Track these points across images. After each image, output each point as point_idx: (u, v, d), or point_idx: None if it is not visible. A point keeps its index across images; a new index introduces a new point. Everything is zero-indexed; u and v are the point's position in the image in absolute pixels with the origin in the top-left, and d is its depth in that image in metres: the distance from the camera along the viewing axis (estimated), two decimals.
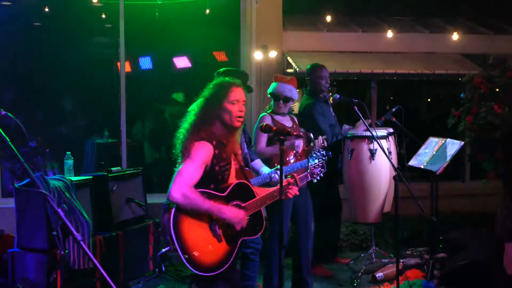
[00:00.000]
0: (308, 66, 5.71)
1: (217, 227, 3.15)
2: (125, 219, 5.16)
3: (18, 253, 4.27)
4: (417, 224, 6.68)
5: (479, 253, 4.79)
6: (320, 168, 3.93)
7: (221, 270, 3.14)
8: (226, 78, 3.37)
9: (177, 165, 3.16)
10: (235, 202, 3.25)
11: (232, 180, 3.31)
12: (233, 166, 3.33)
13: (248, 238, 3.35)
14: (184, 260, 2.99)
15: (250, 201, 3.32)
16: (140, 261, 5.26)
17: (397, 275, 4.35)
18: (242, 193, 3.30)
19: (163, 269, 5.44)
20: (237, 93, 3.26)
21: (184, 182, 3.03)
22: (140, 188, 5.45)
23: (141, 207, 5.30)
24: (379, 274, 5.28)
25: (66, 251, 4.11)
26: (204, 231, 3.10)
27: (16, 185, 4.28)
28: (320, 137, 4.74)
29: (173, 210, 3.00)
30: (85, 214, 4.34)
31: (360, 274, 5.38)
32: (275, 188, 3.50)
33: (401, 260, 5.29)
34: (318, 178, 3.93)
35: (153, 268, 5.39)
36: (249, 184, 3.39)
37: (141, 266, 5.28)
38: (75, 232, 2.29)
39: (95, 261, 2.27)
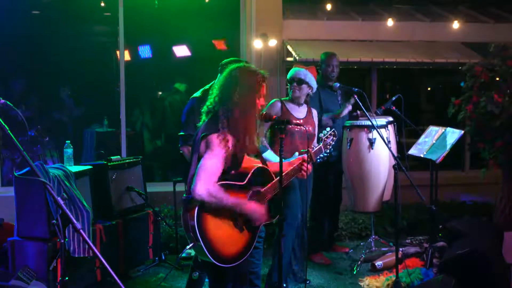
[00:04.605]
0: (321, 54, 5.72)
1: (239, 219, 3.15)
2: (125, 207, 5.17)
3: (18, 241, 4.27)
4: (417, 213, 6.70)
5: (478, 242, 4.79)
6: (332, 137, 3.83)
7: (244, 258, 3.17)
8: (257, 70, 3.24)
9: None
10: (254, 189, 3.25)
11: (246, 162, 3.27)
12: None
13: (266, 222, 3.36)
14: (209, 255, 2.98)
15: (268, 185, 3.32)
16: (140, 250, 5.27)
17: (396, 263, 4.37)
18: (261, 178, 3.30)
19: (163, 257, 5.46)
20: (265, 87, 3.21)
21: (210, 179, 2.98)
22: (139, 177, 5.46)
23: (140, 195, 5.30)
24: (378, 263, 5.29)
25: (66, 240, 4.11)
26: (226, 224, 3.10)
27: (16, 174, 4.28)
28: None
29: (196, 208, 2.98)
30: (84, 203, 4.34)
31: (359, 262, 5.40)
32: (291, 167, 3.50)
33: (401, 249, 5.30)
34: (331, 148, 3.82)
35: (153, 257, 5.41)
36: (266, 167, 3.38)
37: (141, 254, 5.30)
38: (75, 221, 2.29)
39: (95, 250, 2.27)
